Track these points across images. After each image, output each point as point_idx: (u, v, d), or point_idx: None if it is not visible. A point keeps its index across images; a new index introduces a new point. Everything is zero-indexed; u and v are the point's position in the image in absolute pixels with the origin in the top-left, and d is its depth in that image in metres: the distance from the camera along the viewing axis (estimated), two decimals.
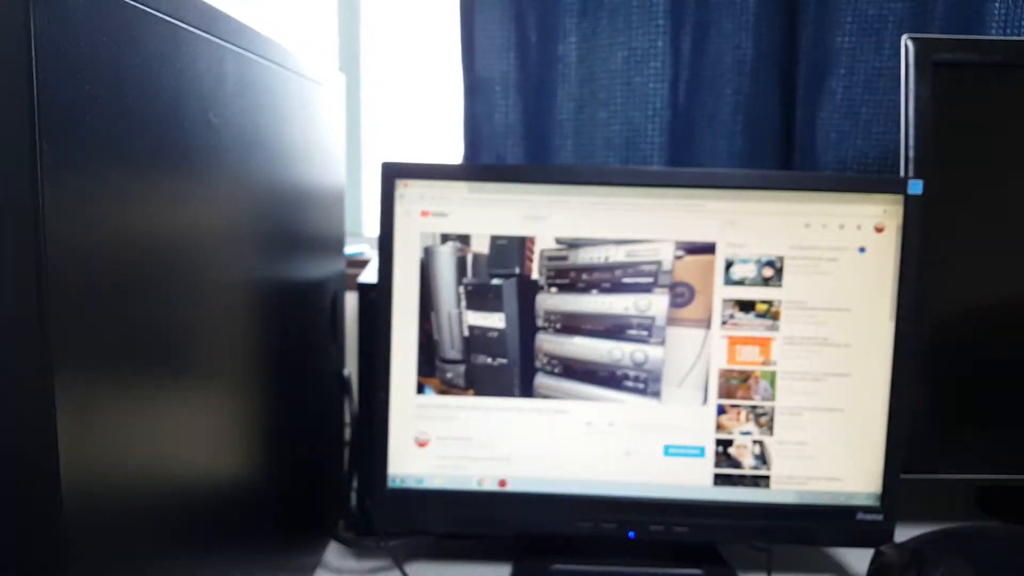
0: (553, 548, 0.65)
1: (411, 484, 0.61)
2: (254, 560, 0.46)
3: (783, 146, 0.89)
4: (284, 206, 0.52)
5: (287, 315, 0.54)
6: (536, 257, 0.60)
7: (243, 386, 0.43)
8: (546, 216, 0.59)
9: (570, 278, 0.60)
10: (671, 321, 0.60)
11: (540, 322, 0.60)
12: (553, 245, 0.60)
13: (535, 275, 0.60)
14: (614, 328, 0.60)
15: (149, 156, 0.31)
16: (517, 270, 0.60)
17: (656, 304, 0.60)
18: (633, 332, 0.60)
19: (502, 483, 0.61)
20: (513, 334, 0.61)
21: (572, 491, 0.61)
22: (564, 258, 0.60)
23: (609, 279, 0.60)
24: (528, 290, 0.60)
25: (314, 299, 0.62)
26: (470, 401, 0.61)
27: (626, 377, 0.60)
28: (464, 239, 0.60)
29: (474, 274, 0.60)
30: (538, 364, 0.61)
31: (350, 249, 0.89)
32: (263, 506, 0.47)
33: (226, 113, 0.40)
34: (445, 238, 0.60)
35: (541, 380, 0.60)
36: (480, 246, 0.60)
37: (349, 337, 0.72)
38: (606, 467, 0.61)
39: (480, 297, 0.60)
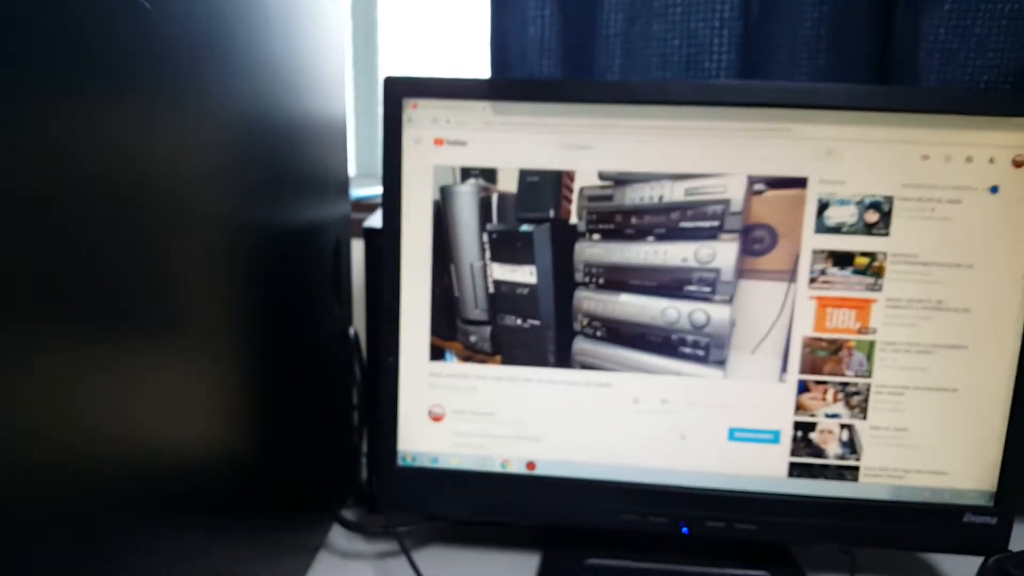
0: (587, 538, 0.56)
1: (423, 463, 0.52)
2: (245, 540, 0.40)
3: (875, 67, 0.74)
4: (268, 135, 0.42)
5: (280, 265, 0.45)
6: (575, 197, 0.48)
7: (229, 346, 0.38)
8: (589, 145, 0.48)
9: (616, 223, 0.49)
10: (743, 273, 0.48)
11: (579, 276, 0.49)
12: (596, 182, 0.48)
13: (573, 219, 0.49)
14: (669, 283, 0.49)
15: (77, 63, 0.25)
16: (551, 213, 0.49)
17: (722, 253, 0.48)
18: (693, 288, 0.49)
19: (531, 466, 0.52)
20: (547, 290, 0.50)
21: (615, 478, 0.51)
22: (609, 198, 0.48)
23: (664, 223, 0.48)
24: (565, 238, 0.49)
25: (313, 248, 0.52)
26: (493, 370, 0.50)
27: (683, 342, 0.49)
28: (488, 175, 0.48)
29: (500, 219, 0.49)
30: (577, 326, 0.50)
31: (361, 191, 0.78)
32: (255, 482, 0.42)
33: (172, 6, 0.30)
34: (465, 174, 0.49)
35: (581, 345, 0.50)
36: (507, 183, 0.49)
37: (356, 292, 0.63)
38: (657, 452, 0.51)
39: (507, 246, 0.49)
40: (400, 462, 0.52)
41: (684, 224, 0.48)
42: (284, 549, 0.48)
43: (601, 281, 0.49)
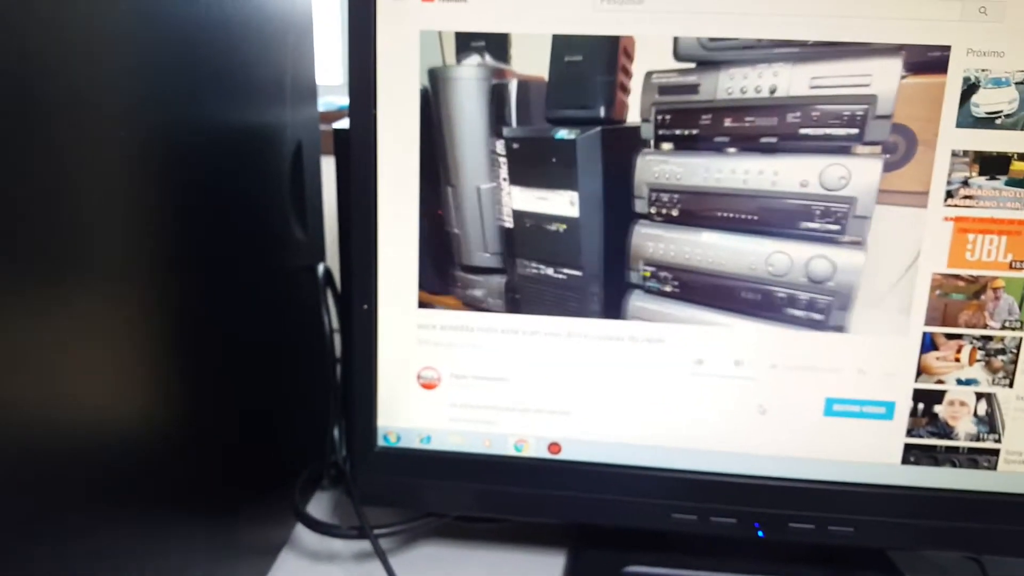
0: (627, 536, 0.43)
1: (412, 443, 0.40)
2: (185, 539, 0.32)
3: None
4: (206, 21, 0.31)
5: (222, 180, 0.34)
6: (638, 86, 0.34)
7: (154, 290, 0.29)
8: None
9: (700, 126, 0.34)
10: (880, 200, 0.34)
11: (642, 205, 0.35)
12: (669, 63, 0.34)
13: (634, 119, 0.35)
14: (779, 218, 0.35)
15: None
16: (601, 111, 0.35)
17: (860, 175, 0.34)
18: (814, 225, 0.35)
19: (554, 448, 0.39)
20: (593, 227, 0.36)
21: (667, 464, 0.38)
22: (692, 88, 0.34)
23: (775, 129, 0.34)
24: (622, 148, 0.35)
25: (269, 159, 0.39)
26: (505, 320, 0.37)
27: (793, 302, 0.36)
28: (499, 47, 0.34)
29: (522, 119, 0.35)
30: (635, 277, 0.36)
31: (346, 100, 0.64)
32: (195, 465, 0.33)
33: None
34: (464, 46, 0.35)
35: (639, 304, 0.36)
36: (531, 63, 0.34)
37: (329, 219, 0.50)
38: (726, 430, 0.38)
39: (534, 162, 0.36)
40: (380, 442, 0.40)
41: (806, 131, 0.34)
42: (236, 550, 0.36)
43: (675, 213, 0.35)
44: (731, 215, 0.35)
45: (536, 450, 0.39)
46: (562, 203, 0.36)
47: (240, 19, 0.34)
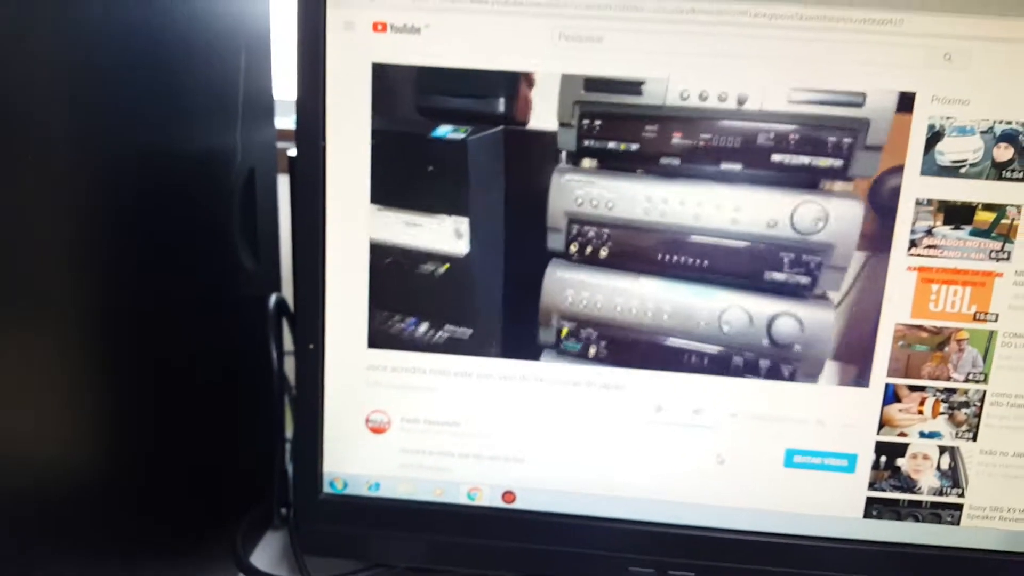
0: None
1: (359, 490, 0.38)
2: None
3: None
4: (153, 39, 0.30)
5: (166, 206, 0.33)
6: (551, 76, 0.30)
7: (87, 321, 0.27)
8: (600, 36, 0.32)
9: (641, 139, 0.30)
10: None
11: (558, 240, 0.31)
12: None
13: (546, 123, 0.30)
14: (739, 264, 0.32)
15: None
16: (501, 104, 0.30)
17: (840, 215, 0.32)
18: (781, 277, 0.32)
19: (508, 497, 0.37)
20: (489, 268, 0.31)
21: (625, 515, 0.37)
22: (631, 86, 0.30)
23: (740, 151, 0.30)
24: (533, 160, 0.30)
25: (213, 186, 0.37)
26: (456, 362, 0.36)
27: (751, 367, 0.34)
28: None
29: (386, 110, 0.30)
30: (547, 336, 0.33)
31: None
32: (128, 508, 0.31)
33: None
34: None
35: (556, 367, 0.34)
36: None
37: (284, 244, 0.48)
38: (684, 480, 0.36)
39: (399, 170, 0.30)
40: (326, 488, 0.38)
41: (780, 157, 0.30)
42: None
43: (603, 253, 0.31)
44: (677, 259, 0.31)
45: (490, 499, 0.37)
46: (443, 233, 0.30)
47: (182, 36, 0.33)
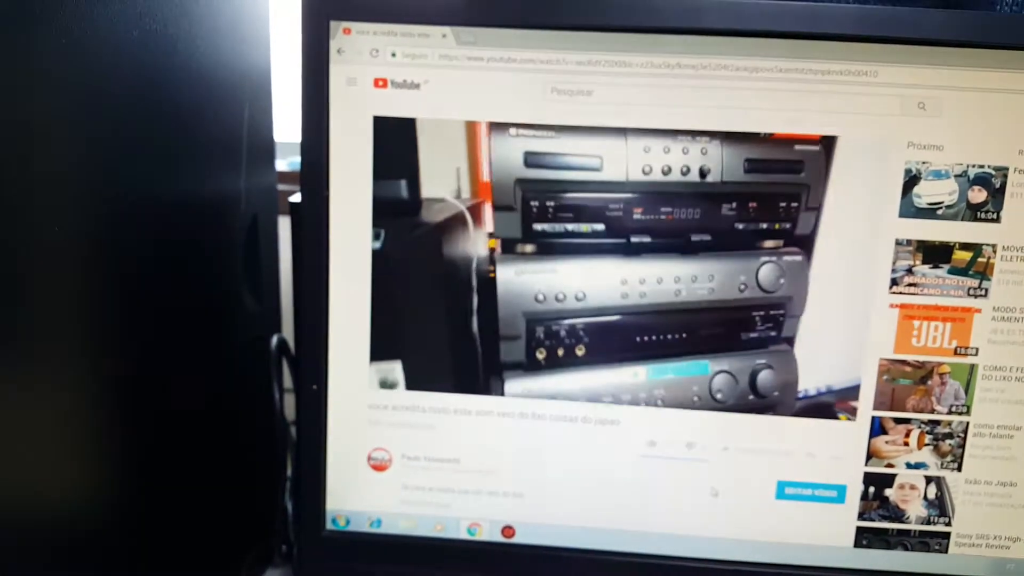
0: None
1: (361, 527, 0.39)
2: None
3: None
4: (161, 89, 0.32)
5: (168, 255, 0.34)
6: (493, 150, 0.32)
7: (95, 364, 0.28)
8: (589, 90, 0.34)
9: (606, 218, 0.31)
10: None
11: (513, 350, 0.32)
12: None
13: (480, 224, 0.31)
14: (716, 331, 0.34)
15: None
16: (404, 192, 0.30)
17: (791, 269, 0.34)
18: (755, 334, 0.34)
19: (508, 532, 0.38)
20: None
21: (621, 548, 0.38)
22: (583, 161, 0.32)
23: (702, 221, 0.33)
24: (460, 258, 0.31)
25: (222, 229, 0.38)
26: (454, 400, 0.37)
27: (744, 408, 0.36)
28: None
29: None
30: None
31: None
32: (123, 544, 0.31)
33: None
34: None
35: (553, 404, 0.36)
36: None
37: (284, 286, 0.49)
38: (678, 513, 0.37)
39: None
40: (329, 525, 0.38)
41: (741, 225, 0.33)
42: None
43: (578, 351, 0.32)
44: (660, 338, 0.32)
45: (490, 534, 0.38)
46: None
47: (191, 85, 0.34)
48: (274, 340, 0.45)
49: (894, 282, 0.35)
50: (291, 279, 0.46)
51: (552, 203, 0.28)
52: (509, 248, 0.31)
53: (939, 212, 0.34)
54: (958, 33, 0.33)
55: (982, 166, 0.34)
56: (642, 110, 0.34)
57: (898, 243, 0.35)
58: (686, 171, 0.32)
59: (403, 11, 0.33)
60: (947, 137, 0.34)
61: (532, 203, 0.28)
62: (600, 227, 0.29)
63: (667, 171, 0.31)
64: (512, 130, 0.31)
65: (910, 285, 0.35)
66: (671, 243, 0.32)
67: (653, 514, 0.37)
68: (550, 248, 0.30)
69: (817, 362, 0.35)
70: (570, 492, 0.37)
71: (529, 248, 0.29)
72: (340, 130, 0.34)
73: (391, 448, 0.38)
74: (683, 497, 0.37)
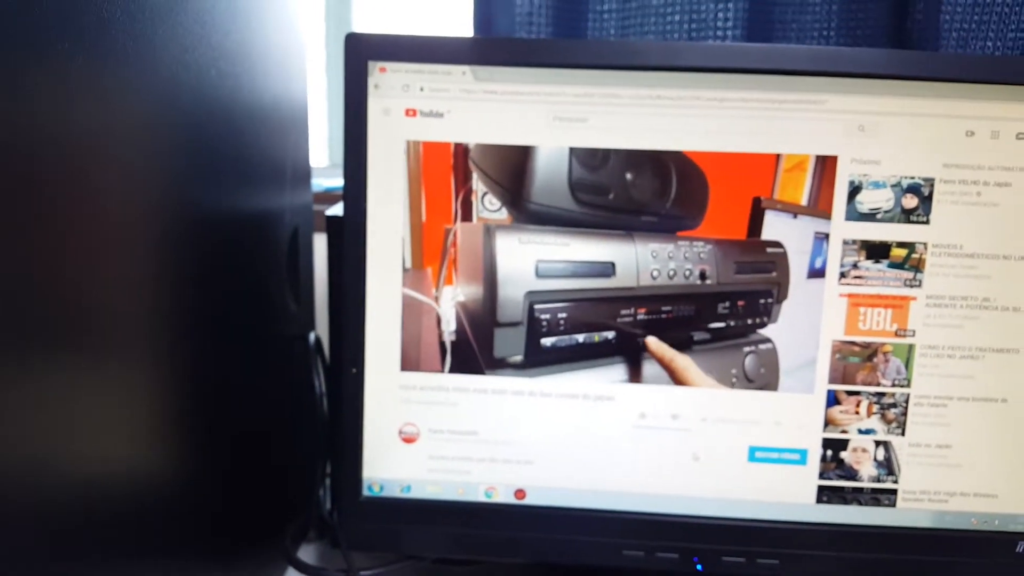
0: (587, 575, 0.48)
1: (393, 492, 0.45)
2: None
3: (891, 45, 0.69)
4: (213, 116, 0.37)
5: (224, 259, 0.39)
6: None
7: (161, 355, 0.32)
8: (584, 117, 0.41)
9: (616, 324, 0.41)
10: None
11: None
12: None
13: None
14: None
15: None
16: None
17: (767, 360, 0.43)
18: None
19: (520, 494, 0.44)
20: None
21: (617, 507, 0.44)
22: (597, 268, 0.40)
23: (702, 319, 0.41)
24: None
25: (267, 240, 0.45)
26: (475, 381, 0.43)
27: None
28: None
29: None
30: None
31: (333, 182, 0.71)
32: (191, 514, 0.36)
33: None
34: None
35: (558, 381, 0.43)
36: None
37: (320, 292, 0.55)
38: (665, 475, 0.44)
39: None
40: (365, 492, 0.45)
41: (732, 321, 0.42)
42: None
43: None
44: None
45: (504, 496, 0.44)
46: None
47: (245, 113, 0.40)
48: (311, 337, 0.52)
49: (843, 275, 0.42)
50: (325, 284, 0.52)
51: (563, 316, 0.42)
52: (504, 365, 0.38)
53: (878, 216, 0.41)
54: (892, 68, 0.40)
55: (913, 177, 0.41)
56: (629, 133, 0.40)
57: (845, 242, 0.41)
58: (688, 275, 0.41)
59: (430, 53, 0.40)
60: (884, 154, 0.41)
61: (541, 318, 0.42)
62: (610, 333, 0.42)
63: (672, 275, 0.42)
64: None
65: (856, 278, 0.42)
66: (675, 339, 0.42)
67: (644, 476, 0.44)
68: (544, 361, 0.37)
69: (788, 347, 0.42)
70: (573, 459, 0.44)
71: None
72: (377, 151, 0.41)
73: (419, 423, 0.44)
74: (669, 461, 0.43)
